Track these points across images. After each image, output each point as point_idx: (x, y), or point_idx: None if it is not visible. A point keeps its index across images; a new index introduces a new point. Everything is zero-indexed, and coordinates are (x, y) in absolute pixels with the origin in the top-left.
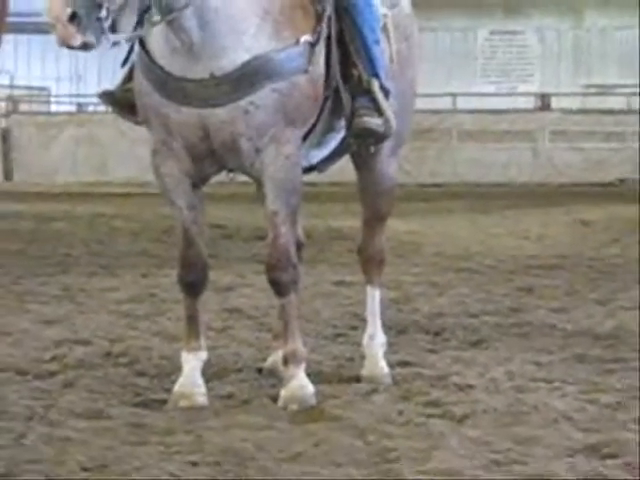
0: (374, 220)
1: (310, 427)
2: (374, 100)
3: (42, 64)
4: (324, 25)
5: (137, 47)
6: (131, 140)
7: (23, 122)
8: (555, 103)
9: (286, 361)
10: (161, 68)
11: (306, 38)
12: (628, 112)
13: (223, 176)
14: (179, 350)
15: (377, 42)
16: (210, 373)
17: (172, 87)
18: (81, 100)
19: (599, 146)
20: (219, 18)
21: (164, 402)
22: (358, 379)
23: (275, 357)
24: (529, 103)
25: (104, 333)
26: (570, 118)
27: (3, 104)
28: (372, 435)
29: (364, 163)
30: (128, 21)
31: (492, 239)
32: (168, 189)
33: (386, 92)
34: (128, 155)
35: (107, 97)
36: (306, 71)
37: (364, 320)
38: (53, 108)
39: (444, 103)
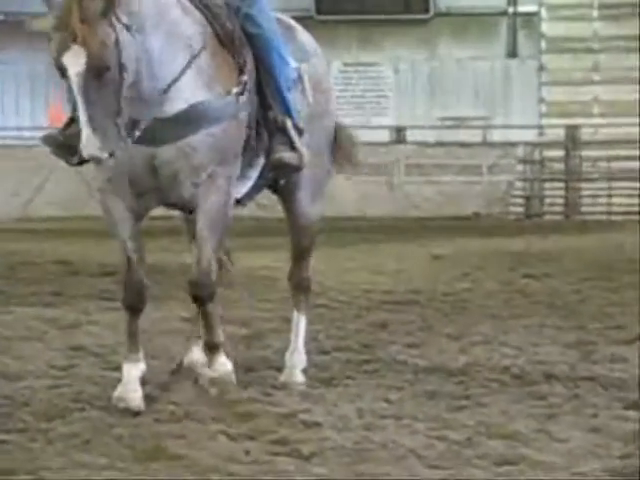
0: (297, 253)
1: (152, 466)
2: (288, 137)
3: None
4: (247, 77)
5: None
6: None
7: None
8: (410, 136)
9: (208, 348)
10: None
11: (235, 90)
12: (483, 145)
13: (68, 211)
14: (18, 390)
15: (289, 88)
16: (53, 412)
17: None
18: None
19: (455, 179)
20: (163, 72)
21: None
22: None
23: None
24: (384, 136)
25: None
26: (425, 151)
27: None
28: (215, 474)
29: (289, 207)
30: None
31: (346, 274)
32: (113, 223)
33: (299, 130)
34: None
35: (49, 140)
36: (235, 117)
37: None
38: None
39: None
